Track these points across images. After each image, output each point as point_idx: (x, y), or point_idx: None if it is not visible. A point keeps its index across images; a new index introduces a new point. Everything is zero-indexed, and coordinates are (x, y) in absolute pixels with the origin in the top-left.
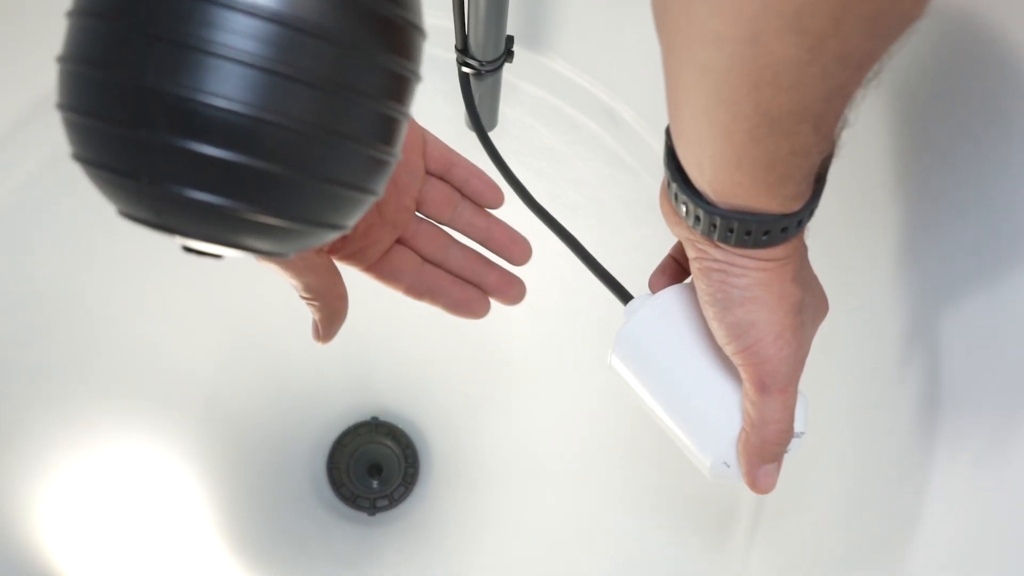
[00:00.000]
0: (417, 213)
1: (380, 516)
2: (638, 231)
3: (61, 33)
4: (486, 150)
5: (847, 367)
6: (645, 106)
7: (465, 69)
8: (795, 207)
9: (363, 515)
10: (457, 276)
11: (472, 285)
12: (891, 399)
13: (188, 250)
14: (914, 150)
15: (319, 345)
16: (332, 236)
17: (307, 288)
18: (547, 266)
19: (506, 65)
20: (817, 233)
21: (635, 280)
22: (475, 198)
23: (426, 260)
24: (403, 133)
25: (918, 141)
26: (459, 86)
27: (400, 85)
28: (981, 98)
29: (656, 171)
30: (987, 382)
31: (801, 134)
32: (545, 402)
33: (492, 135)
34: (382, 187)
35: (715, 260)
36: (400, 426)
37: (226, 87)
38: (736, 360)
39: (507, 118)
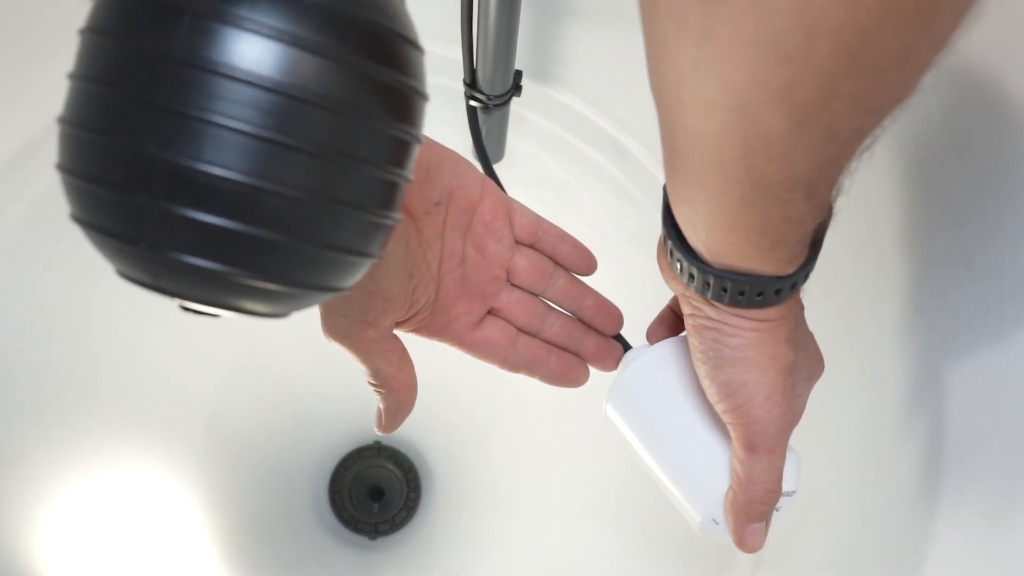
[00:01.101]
0: (509, 282)
1: (381, 540)
2: (643, 264)
3: (69, 55)
4: None
5: (850, 423)
6: (652, 139)
7: (472, 103)
8: (789, 270)
9: (364, 539)
10: (553, 344)
11: (569, 352)
12: (894, 456)
13: (186, 309)
14: (921, 204)
15: (322, 368)
16: (330, 298)
17: (376, 374)
18: None
19: (518, 97)
20: (822, 287)
21: (636, 313)
22: (568, 265)
23: (521, 330)
24: (402, 196)
25: (925, 195)
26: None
27: (401, 150)
28: (988, 153)
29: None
30: (990, 443)
31: (793, 202)
32: (550, 432)
33: (500, 165)
34: (381, 250)
35: (708, 318)
36: (402, 450)
37: (225, 156)
38: (726, 419)
39: (515, 149)
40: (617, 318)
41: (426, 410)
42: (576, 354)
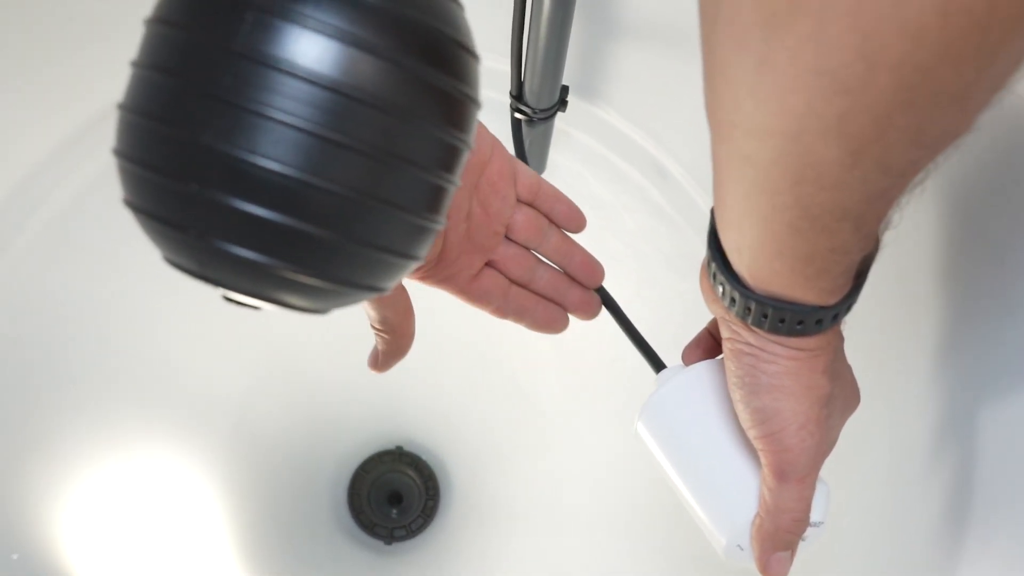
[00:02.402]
0: (506, 237)
1: (396, 546)
2: (677, 285)
3: (122, 47)
4: None
5: (878, 459)
6: (693, 163)
7: (517, 115)
8: (831, 300)
9: (380, 543)
10: (541, 296)
11: (555, 304)
12: (920, 495)
13: (228, 300)
14: (963, 243)
15: (349, 371)
16: (370, 296)
17: (382, 321)
18: None
19: (563, 112)
20: (856, 322)
21: (668, 335)
22: (561, 224)
23: (513, 282)
24: (449, 201)
25: (968, 234)
26: (510, 129)
27: (451, 155)
28: None
29: (700, 227)
30: (1020, 487)
31: (841, 232)
32: (572, 450)
33: None
34: (424, 253)
35: (747, 343)
36: (424, 458)
37: (279, 150)
38: (758, 445)
39: (556, 164)
40: (600, 273)
41: (449, 420)
42: (560, 305)
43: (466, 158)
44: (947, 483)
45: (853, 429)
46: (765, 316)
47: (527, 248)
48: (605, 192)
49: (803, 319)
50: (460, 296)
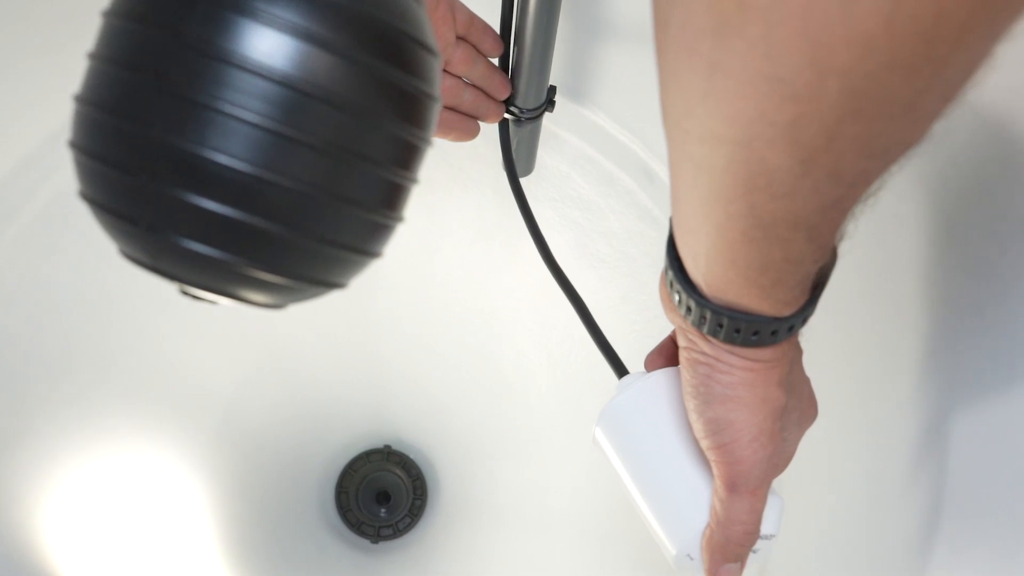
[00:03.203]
0: (444, 70)
1: (383, 545)
2: None
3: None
4: (515, 198)
5: (860, 467)
6: None
7: (505, 115)
8: (787, 312)
9: (366, 542)
10: (463, 114)
11: (471, 117)
12: (899, 502)
13: (185, 294)
14: (942, 253)
15: (339, 370)
16: (327, 292)
17: None
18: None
19: (550, 112)
20: (836, 329)
21: (654, 338)
22: (486, 52)
23: (444, 107)
24: (408, 198)
25: (945, 241)
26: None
27: (407, 152)
28: (1010, 203)
29: None
30: (991, 498)
31: (795, 242)
32: (560, 451)
33: (529, 179)
34: (382, 249)
35: (703, 353)
36: (412, 457)
37: (229, 144)
38: (710, 456)
39: (545, 165)
40: (506, 86)
41: (438, 419)
42: (477, 118)
43: (425, 155)
44: (925, 490)
45: (834, 437)
46: (720, 326)
47: (458, 77)
48: (593, 194)
49: (758, 330)
50: None
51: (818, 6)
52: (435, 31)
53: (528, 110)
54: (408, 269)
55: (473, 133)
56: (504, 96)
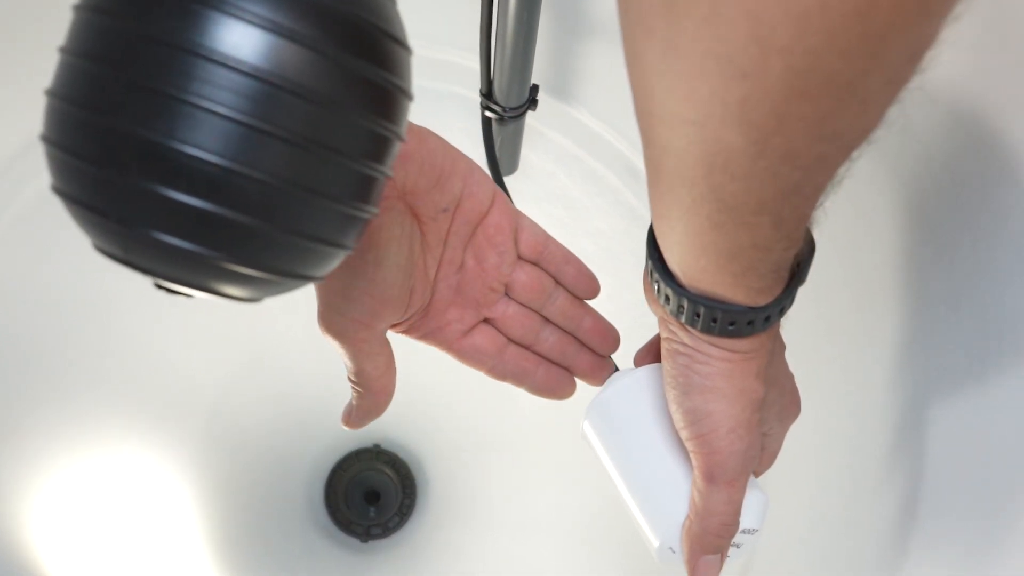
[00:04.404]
0: (508, 296)
1: (372, 544)
2: None
3: None
4: None
5: (840, 461)
6: None
7: (488, 114)
8: (762, 301)
9: (355, 541)
10: (544, 358)
11: (559, 367)
12: (877, 496)
13: (159, 287)
14: (916, 244)
15: (328, 368)
16: (302, 285)
17: (359, 374)
18: None
19: (533, 112)
20: (816, 322)
21: (641, 337)
22: (570, 287)
23: (513, 341)
24: (380, 190)
25: (920, 233)
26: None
27: (379, 145)
28: (981, 195)
29: None
30: (966, 495)
31: (761, 227)
32: (549, 449)
33: (514, 178)
34: (354, 242)
35: (682, 343)
36: (401, 456)
37: (198, 136)
38: (689, 446)
39: (530, 163)
40: (614, 340)
41: (428, 418)
42: (568, 369)
43: (397, 148)
44: (903, 484)
45: (815, 431)
46: (697, 315)
47: (533, 309)
48: (578, 192)
49: (734, 320)
50: (449, 352)
51: None
52: (489, 239)
53: (510, 109)
54: None
55: (559, 388)
56: (608, 349)
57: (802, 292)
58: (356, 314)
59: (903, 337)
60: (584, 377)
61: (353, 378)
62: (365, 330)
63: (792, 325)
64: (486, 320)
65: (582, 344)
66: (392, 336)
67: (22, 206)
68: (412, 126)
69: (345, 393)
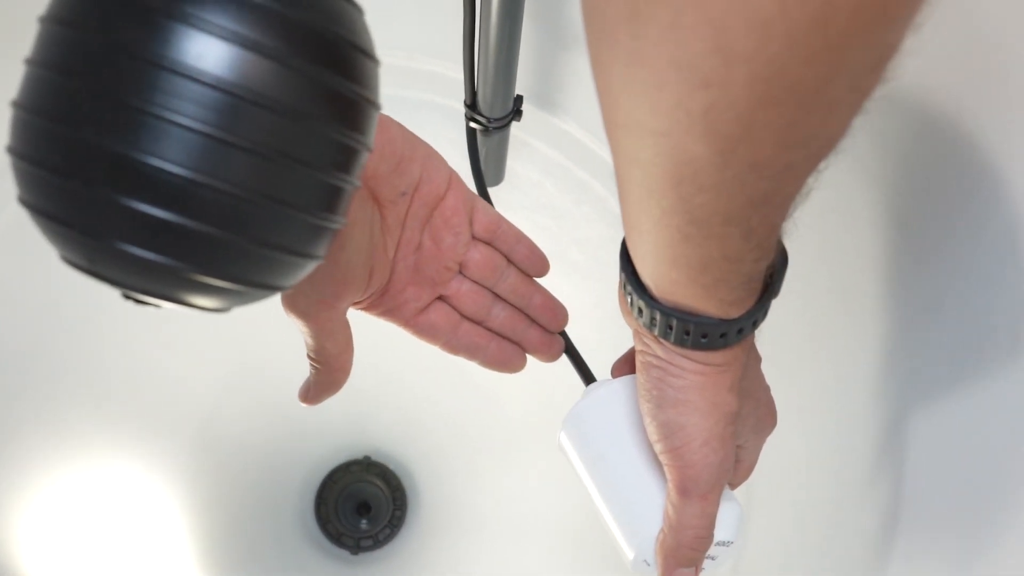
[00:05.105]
0: (461, 274)
1: (363, 556)
2: None
3: None
4: None
5: (826, 468)
6: None
7: (472, 125)
8: (734, 313)
9: (346, 553)
10: (497, 333)
11: (511, 342)
12: (860, 503)
13: (128, 298)
14: (896, 249)
15: None
16: (271, 295)
17: (319, 351)
18: None
19: (518, 122)
20: (800, 332)
21: (627, 343)
22: (522, 266)
23: (466, 317)
24: (348, 200)
25: (900, 240)
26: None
27: (346, 155)
28: (958, 200)
29: None
30: (947, 501)
31: (730, 238)
32: (539, 459)
33: (501, 188)
34: (324, 251)
35: (656, 356)
36: (392, 467)
37: (163, 147)
38: (663, 459)
39: (515, 173)
40: (563, 316)
41: (418, 429)
42: (519, 344)
43: (365, 158)
44: (886, 491)
45: (798, 439)
46: (670, 327)
47: (485, 287)
48: (565, 201)
49: (707, 332)
50: (407, 328)
51: None
52: (445, 220)
53: (495, 119)
54: None
55: (511, 362)
56: (557, 326)
57: (784, 301)
58: (319, 295)
59: (885, 344)
60: (534, 352)
61: (313, 355)
62: (328, 310)
63: (774, 333)
64: (441, 297)
65: (532, 320)
66: (382, 351)
67: (6, 218)
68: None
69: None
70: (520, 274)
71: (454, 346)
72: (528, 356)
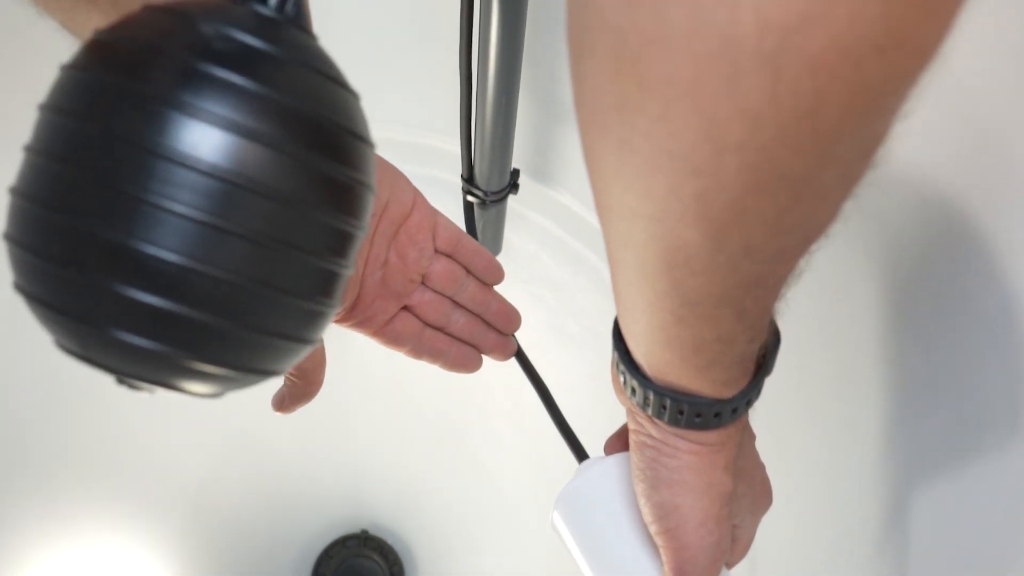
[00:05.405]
0: (424, 284)
1: None
2: None
3: None
4: None
5: (823, 545)
6: None
7: (470, 198)
8: (728, 393)
9: None
10: (456, 338)
11: (469, 346)
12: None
13: (121, 383)
14: (892, 325)
15: (313, 453)
16: (265, 380)
17: (297, 367)
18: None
19: (515, 195)
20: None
21: (621, 418)
22: (479, 276)
23: (428, 325)
24: (344, 285)
25: (896, 317)
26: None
27: (342, 240)
28: (951, 278)
29: None
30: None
31: (723, 320)
32: (535, 535)
33: (498, 259)
34: (319, 336)
35: (650, 436)
36: (390, 542)
37: (158, 235)
38: (658, 540)
39: (512, 245)
40: (517, 320)
41: (415, 503)
42: (476, 347)
43: (360, 242)
44: (888, 569)
45: (799, 514)
46: (664, 407)
47: (446, 296)
48: (561, 272)
49: (701, 411)
50: (376, 338)
51: (707, 83)
52: (410, 237)
53: (492, 193)
54: (381, 351)
55: (469, 363)
56: (511, 329)
57: (783, 377)
58: None
59: (883, 421)
60: (490, 353)
61: (291, 370)
62: None
63: (770, 410)
64: (405, 307)
65: (488, 325)
66: (380, 425)
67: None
68: None
69: (331, 478)
70: (478, 283)
71: (419, 352)
72: (484, 357)
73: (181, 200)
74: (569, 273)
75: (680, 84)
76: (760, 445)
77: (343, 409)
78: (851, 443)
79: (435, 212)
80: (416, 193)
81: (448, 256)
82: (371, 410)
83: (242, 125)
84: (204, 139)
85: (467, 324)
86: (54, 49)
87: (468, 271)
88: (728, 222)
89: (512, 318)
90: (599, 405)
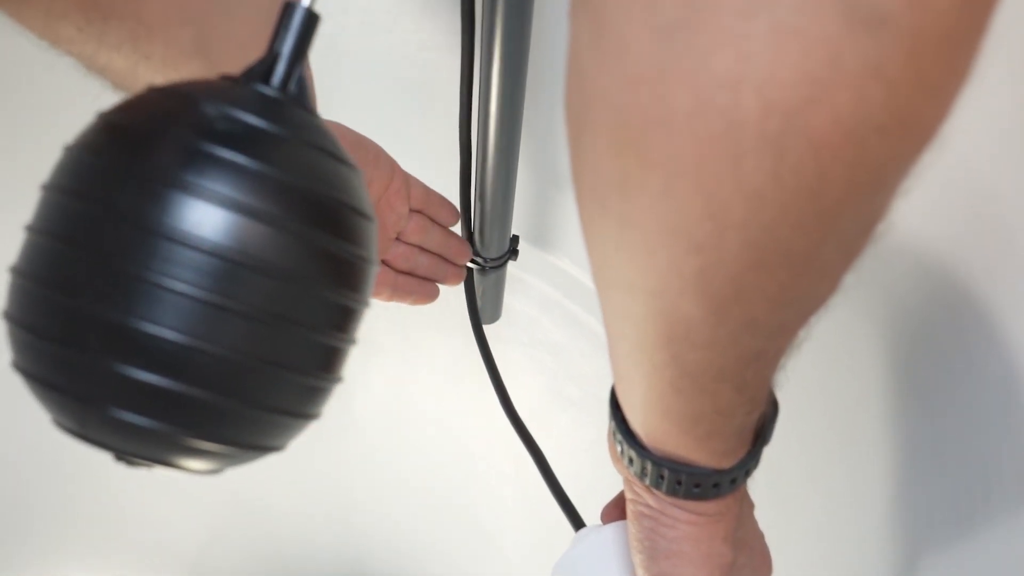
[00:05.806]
0: (398, 239)
1: None
2: None
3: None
4: (479, 347)
5: None
6: None
7: (470, 264)
8: (727, 464)
9: None
10: (422, 277)
11: (429, 281)
12: None
13: (119, 459)
14: (897, 393)
15: (312, 515)
16: (264, 456)
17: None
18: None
19: (514, 261)
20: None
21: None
22: (442, 222)
23: (400, 272)
24: (345, 359)
25: (901, 384)
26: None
27: (344, 315)
28: (956, 345)
29: None
30: None
31: (722, 393)
32: None
33: (499, 324)
34: (320, 410)
35: (647, 506)
36: None
37: (159, 314)
38: None
39: (512, 310)
40: (468, 251)
41: (414, 568)
42: (436, 281)
43: (362, 317)
44: None
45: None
46: (662, 477)
47: (415, 245)
48: (561, 337)
49: (699, 482)
50: None
51: (710, 161)
52: (390, 204)
53: (492, 259)
54: (382, 414)
55: (431, 296)
56: (464, 260)
57: (783, 445)
58: None
59: (887, 490)
60: (445, 282)
61: None
62: None
63: (774, 479)
64: (382, 261)
65: (446, 260)
66: (378, 486)
67: None
68: (328, 122)
69: (330, 540)
70: (441, 229)
71: (392, 296)
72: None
73: (183, 279)
74: (569, 337)
75: (683, 163)
76: (760, 515)
77: (342, 471)
78: (854, 512)
79: (406, 175)
80: (394, 164)
81: (418, 212)
82: (371, 472)
83: (244, 204)
84: (207, 218)
85: (430, 264)
86: (56, 123)
87: (433, 221)
88: (729, 297)
89: (466, 251)
90: (599, 470)
